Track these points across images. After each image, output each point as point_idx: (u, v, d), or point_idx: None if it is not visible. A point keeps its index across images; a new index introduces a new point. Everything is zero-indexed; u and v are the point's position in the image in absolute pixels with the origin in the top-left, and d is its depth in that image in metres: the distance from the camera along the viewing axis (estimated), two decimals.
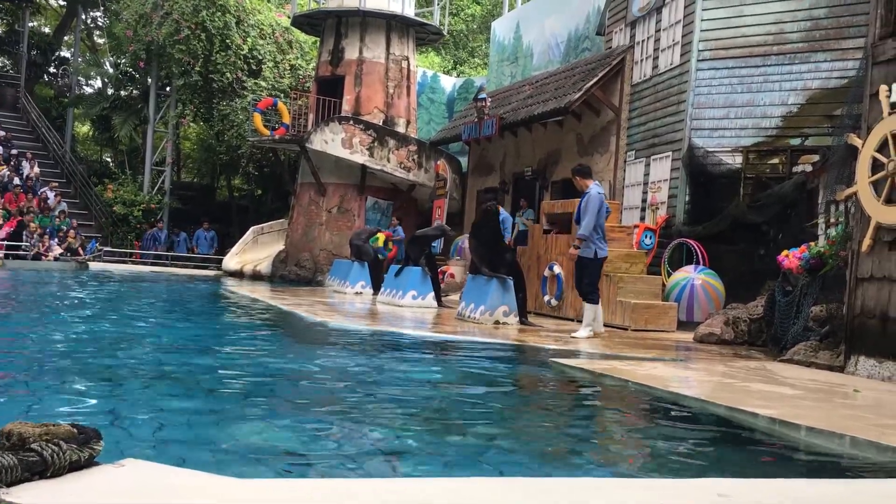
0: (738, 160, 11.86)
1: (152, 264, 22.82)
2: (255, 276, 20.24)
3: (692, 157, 12.11)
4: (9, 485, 2.07)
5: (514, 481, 2.99)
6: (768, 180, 11.46)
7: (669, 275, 11.57)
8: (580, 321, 11.21)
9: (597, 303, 9.24)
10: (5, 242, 20.60)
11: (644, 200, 13.34)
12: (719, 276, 11.05)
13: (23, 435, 2.23)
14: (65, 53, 33.69)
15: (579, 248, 9.06)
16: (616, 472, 3.53)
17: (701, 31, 12.35)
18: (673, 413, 4.94)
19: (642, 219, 13.13)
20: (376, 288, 15.01)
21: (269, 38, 24.81)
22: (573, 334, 9.11)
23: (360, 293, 15.62)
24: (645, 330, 10.30)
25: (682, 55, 12.75)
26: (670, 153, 12.73)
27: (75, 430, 2.32)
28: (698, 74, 12.30)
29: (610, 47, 15.53)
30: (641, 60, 14.15)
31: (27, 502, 2.01)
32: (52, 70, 33.38)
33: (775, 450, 4.09)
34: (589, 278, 9.20)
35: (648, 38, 13.97)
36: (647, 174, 13.46)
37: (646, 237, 12.24)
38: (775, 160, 11.64)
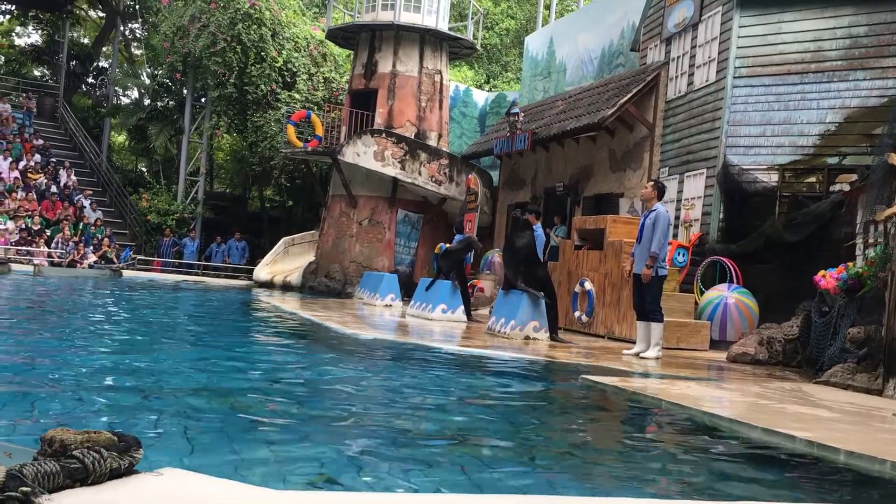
0: (773, 178, 11.73)
1: (186, 273, 22.98)
2: (286, 287, 20.35)
3: (727, 174, 12.00)
4: (51, 491, 2.09)
5: (543, 499, 2.96)
6: (805, 199, 11.33)
7: (702, 293, 11.45)
8: (612, 338, 11.18)
9: (661, 321, 9.19)
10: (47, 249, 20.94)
11: (677, 217, 13.24)
12: (753, 295, 10.92)
13: (65, 442, 2.25)
14: (103, 64, 34.23)
15: (652, 266, 9.03)
16: (648, 493, 3.48)
17: (737, 47, 12.25)
18: (707, 434, 4.88)
19: (675, 236, 13.01)
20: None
21: (304, 50, 25.02)
22: (642, 355, 8.99)
23: (390, 305, 15.66)
24: (677, 348, 10.20)
25: (717, 72, 12.66)
26: (704, 170, 12.63)
27: (116, 438, 2.33)
28: (734, 91, 12.20)
29: (644, 63, 15.47)
30: (676, 77, 14.07)
31: None
32: (90, 80, 33.89)
33: (813, 474, 4.02)
34: (651, 296, 9.18)
35: (684, 55, 13.89)
36: (680, 191, 13.36)
37: (678, 255, 12.12)
38: (812, 179, 11.50)
